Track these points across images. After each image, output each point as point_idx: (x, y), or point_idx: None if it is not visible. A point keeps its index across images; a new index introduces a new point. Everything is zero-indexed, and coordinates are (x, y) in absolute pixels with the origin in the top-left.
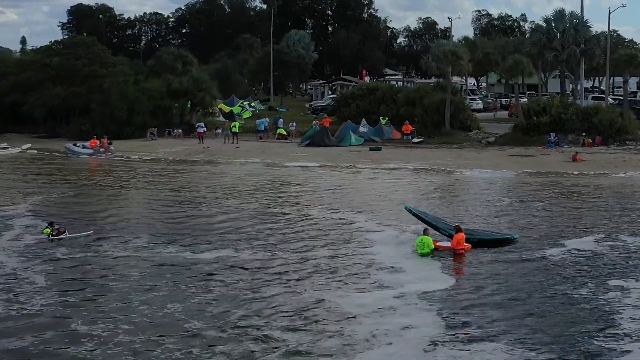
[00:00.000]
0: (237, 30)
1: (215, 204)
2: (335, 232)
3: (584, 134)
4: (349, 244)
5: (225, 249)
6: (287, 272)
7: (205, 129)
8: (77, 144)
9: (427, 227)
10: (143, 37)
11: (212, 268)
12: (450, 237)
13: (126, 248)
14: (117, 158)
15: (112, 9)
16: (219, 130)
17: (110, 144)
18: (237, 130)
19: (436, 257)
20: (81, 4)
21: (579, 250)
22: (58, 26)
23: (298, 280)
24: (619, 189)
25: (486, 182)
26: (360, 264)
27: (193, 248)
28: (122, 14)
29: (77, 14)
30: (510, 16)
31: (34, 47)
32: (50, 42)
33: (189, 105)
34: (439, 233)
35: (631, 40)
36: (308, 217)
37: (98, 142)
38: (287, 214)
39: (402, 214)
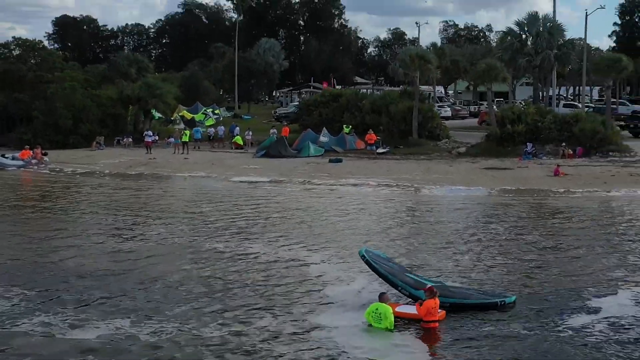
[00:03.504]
0: (213, 40)
1: (122, 236)
2: (281, 286)
3: (563, 144)
4: (297, 305)
5: (115, 319)
6: None
7: (155, 137)
8: (6, 155)
9: (387, 282)
10: (125, 47)
11: None
12: (413, 298)
13: None
14: (46, 171)
15: (96, 20)
16: (171, 139)
17: (45, 154)
18: (187, 140)
19: (403, 329)
20: (66, 15)
21: (617, 318)
22: (44, 37)
23: None
24: (626, 214)
25: (461, 202)
26: (310, 350)
27: (59, 320)
28: (106, 25)
29: (62, 25)
30: (477, 26)
31: None
32: None
33: (142, 113)
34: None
35: (597, 49)
36: (247, 256)
37: (31, 152)
38: (221, 251)
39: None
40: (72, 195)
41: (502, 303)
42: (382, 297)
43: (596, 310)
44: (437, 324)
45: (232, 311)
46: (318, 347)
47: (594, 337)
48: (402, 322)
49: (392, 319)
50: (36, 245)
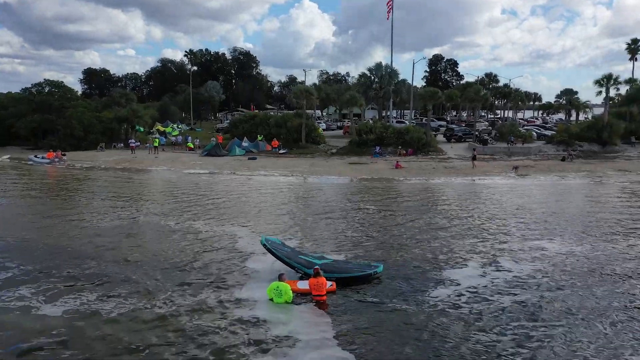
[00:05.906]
0: (179, 82)
1: (103, 215)
2: (215, 260)
3: (399, 147)
4: (228, 279)
5: (82, 294)
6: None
7: (138, 143)
8: (38, 155)
9: (285, 265)
10: (127, 87)
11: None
12: (307, 276)
13: None
14: (63, 166)
15: (109, 70)
16: (148, 144)
17: (64, 155)
18: (157, 144)
19: (299, 303)
20: (91, 67)
21: (474, 288)
22: (78, 81)
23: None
24: (447, 194)
25: (335, 188)
26: (223, 316)
27: (40, 293)
28: (115, 73)
29: (88, 73)
30: (339, 73)
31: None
32: (32, 84)
33: (129, 127)
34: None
35: (416, 86)
36: (191, 233)
37: (54, 153)
38: (173, 229)
39: (278, 228)
40: (77, 181)
41: (375, 273)
42: (281, 277)
43: (455, 283)
44: (324, 297)
45: (177, 286)
46: (241, 317)
47: (462, 308)
48: (300, 296)
49: (291, 294)
50: (37, 224)
